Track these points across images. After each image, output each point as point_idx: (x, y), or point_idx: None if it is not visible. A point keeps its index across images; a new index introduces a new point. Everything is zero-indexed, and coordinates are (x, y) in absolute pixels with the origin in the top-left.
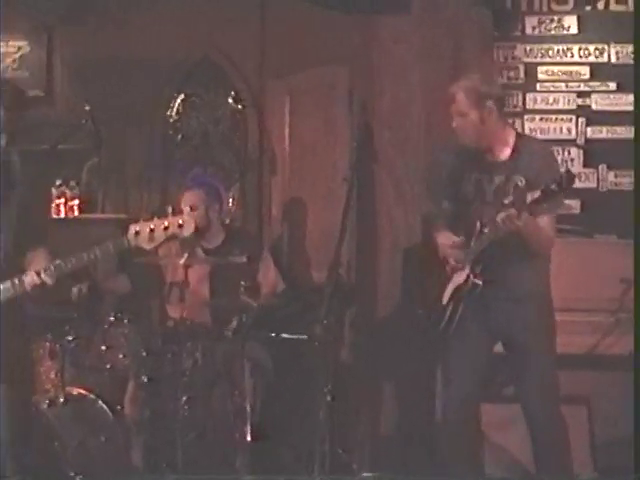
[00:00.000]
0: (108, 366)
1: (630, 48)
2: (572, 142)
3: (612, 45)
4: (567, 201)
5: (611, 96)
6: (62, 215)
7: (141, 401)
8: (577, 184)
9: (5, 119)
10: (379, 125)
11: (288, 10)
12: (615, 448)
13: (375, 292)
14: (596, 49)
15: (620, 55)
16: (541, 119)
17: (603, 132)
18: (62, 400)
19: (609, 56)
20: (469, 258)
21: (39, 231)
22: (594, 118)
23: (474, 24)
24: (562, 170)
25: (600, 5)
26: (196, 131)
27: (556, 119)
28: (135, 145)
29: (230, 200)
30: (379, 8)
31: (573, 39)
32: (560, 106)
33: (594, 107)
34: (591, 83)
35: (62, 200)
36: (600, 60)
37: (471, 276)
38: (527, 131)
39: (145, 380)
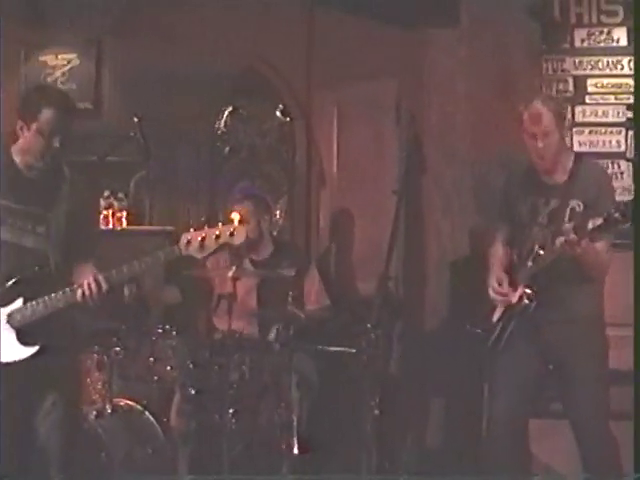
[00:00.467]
0: (155, 378)
1: None
2: (621, 155)
3: None
4: None
5: None
6: (110, 226)
7: (188, 413)
8: (626, 197)
9: (57, 128)
10: (427, 137)
11: (336, 22)
12: None
13: (423, 305)
14: None
15: None
16: (590, 132)
17: None
18: (109, 411)
19: None
20: (523, 278)
21: (88, 242)
22: None
23: (522, 37)
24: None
25: None
26: (243, 144)
27: (605, 132)
28: (183, 158)
29: (278, 212)
30: (428, 21)
31: (622, 51)
32: (609, 119)
33: None
34: None
35: (110, 211)
36: None
37: (524, 297)
38: (576, 144)
39: (192, 392)
